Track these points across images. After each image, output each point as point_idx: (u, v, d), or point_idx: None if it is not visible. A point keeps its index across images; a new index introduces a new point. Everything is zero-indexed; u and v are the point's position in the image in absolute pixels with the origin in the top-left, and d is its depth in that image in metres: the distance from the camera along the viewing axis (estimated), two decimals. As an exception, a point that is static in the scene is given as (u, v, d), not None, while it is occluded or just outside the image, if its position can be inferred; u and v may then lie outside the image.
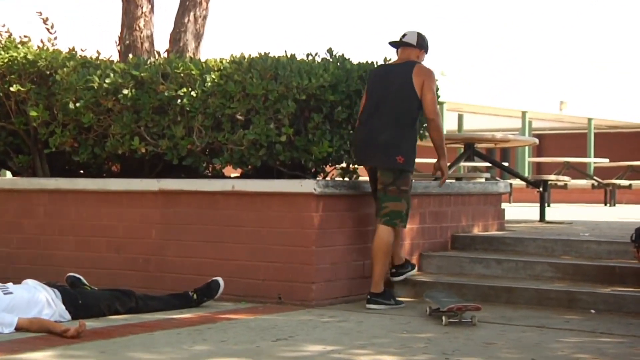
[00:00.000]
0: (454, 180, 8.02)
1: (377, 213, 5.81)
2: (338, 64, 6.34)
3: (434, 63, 6.51)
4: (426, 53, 6.09)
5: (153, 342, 4.62)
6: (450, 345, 4.62)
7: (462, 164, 9.60)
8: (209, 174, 7.03)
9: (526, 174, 20.29)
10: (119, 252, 6.48)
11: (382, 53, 6.56)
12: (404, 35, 6.07)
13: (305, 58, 6.47)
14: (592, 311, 5.63)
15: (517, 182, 13.73)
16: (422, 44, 6.04)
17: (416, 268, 6.34)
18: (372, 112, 5.86)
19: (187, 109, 6.32)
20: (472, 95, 19.71)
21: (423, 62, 6.01)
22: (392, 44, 6.10)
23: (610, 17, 31.80)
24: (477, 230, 7.35)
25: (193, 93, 6.29)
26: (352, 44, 5.89)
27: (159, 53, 7.47)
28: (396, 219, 5.76)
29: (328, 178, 6.75)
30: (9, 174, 8.13)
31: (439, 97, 6.48)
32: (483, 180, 8.73)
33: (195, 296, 5.79)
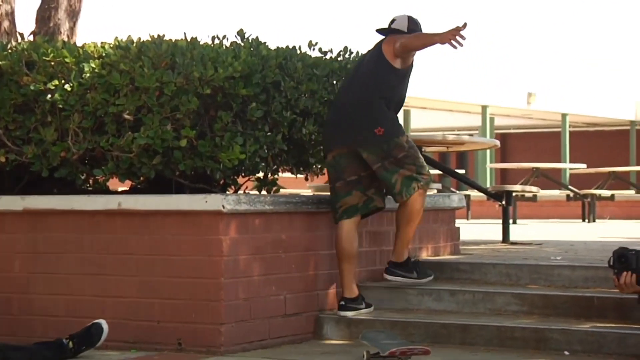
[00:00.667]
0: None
1: (392, 194, 6.33)
2: (252, 49, 6.34)
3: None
4: None
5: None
6: (392, 399, 4.63)
7: (408, 172, 9.67)
8: (89, 189, 6.98)
9: (487, 184, 20.62)
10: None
11: (306, 36, 6.63)
12: (392, 21, 6.38)
13: (210, 42, 6.46)
14: (566, 353, 5.69)
15: (475, 193, 13.94)
16: (414, 29, 6.36)
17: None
18: (343, 93, 6.40)
19: (60, 106, 6.25)
20: (421, 86, 19.91)
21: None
22: (380, 31, 6.41)
23: (588, 2, 32.54)
24: (425, 255, 7.40)
25: (67, 86, 6.23)
26: (271, 25, 5.89)
27: (22, 35, 7.39)
28: (412, 184, 6.25)
29: (241, 192, 6.73)
30: None
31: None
32: (433, 192, 8.82)
33: (71, 344, 5.70)
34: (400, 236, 6.44)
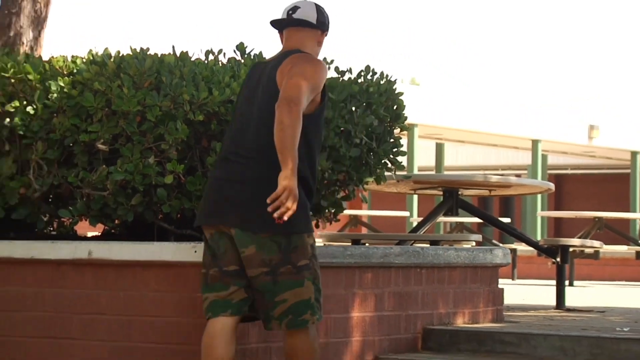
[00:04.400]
0: (427, 245, 8.11)
1: (267, 317, 5.44)
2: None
3: (401, 68, 6.62)
4: (327, 34, 5.73)
5: None
6: None
7: (441, 219, 9.72)
8: (53, 233, 7.01)
9: (537, 237, 20.60)
10: None
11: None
12: (293, 9, 5.65)
13: (203, 58, 6.53)
14: None
15: (522, 247, 13.95)
16: (323, 21, 5.68)
17: None
18: (231, 140, 5.55)
19: (21, 132, 6.32)
20: (457, 115, 19.97)
21: (320, 51, 5.71)
22: (277, 22, 5.71)
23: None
24: (461, 322, 7.41)
25: (30, 109, 6.31)
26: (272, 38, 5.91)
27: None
28: (304, 314, 5.38)
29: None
30: None
31: (402, 119, 6.60)
32: (472, 244, 8.85)
33: None
34: None
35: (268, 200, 5.18)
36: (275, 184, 5.17)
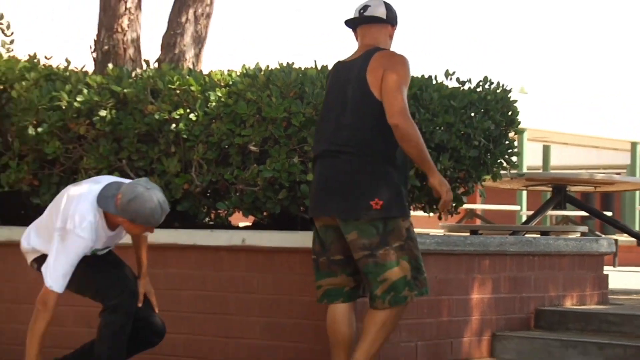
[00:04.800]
0: (538, 235, 8.04)
1: (371, 294, 5.29)
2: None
3: (511, 77, 6.56)
4: (396, 28, 5.56)
5: None
6: None
7: (550, 212, 9.62)
8: (211, 223, 7.09)
9: (637, 227, 20.22)
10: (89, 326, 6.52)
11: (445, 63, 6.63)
12: (364, 7, 5.48)
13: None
14: None
15: (624, 238, 13.70)
16: (392, 17, 5.51)
17: None
18: (327, 136, 5.39)
19: (184, 136, 6.41)
20: (563, 120, 19.72)
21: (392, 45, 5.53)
22: (351, 22, 5.54)
23: None
24: (570, 304, 7.33)
25: (192, 116, 6.39)
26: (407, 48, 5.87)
27: (147, 62, 7.57)
28: (402, 292, 5.26)
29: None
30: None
31: (516, 123, 6.54)
32: (578, 235, 8.74)
33: None
34: (364, 347, 5.30)
35: (441, 209, 5.39)
36: (370, 174, 5.20)
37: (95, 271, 5.34)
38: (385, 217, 5.24)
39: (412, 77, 6.51)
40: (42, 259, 5.28)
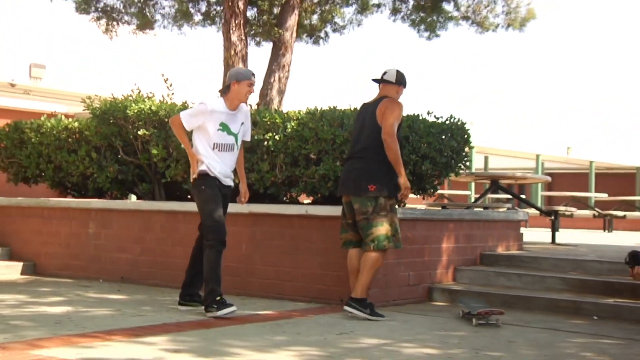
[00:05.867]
0: (482, 209, 7.92)
1: (364, 241, 5.23)
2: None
3: (467, 117, 6.41)
4: (404, 88, 5.53)
5: (243, 332, 4.65)
6: (480, 342, 4.55)
7: (489, 195, 9.46)
8: (287, 201, 7.03)
9: (539, 205, 19.92)
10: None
11: (425, 105, 6.52)
12: (384, 73, 5.47)
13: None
14: (595, 318, 5.48)
15: (532, 211, 13.49)
16: (401, 80, 5.46)
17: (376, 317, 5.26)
18: (351, 147, 5.45)
19: (272, 149, 6.38)
20: (496, 140, 19.51)
21: (401, 97, 5.47)
22: (375, 80, 5.52)
23: (612, 70, 31.05)
24: (500, 250, 7.23)
25: (277, 137, 6.35)
26: (403, 99, 5.76)
27: (250, 106, 7.57)
28: (382, 241, 5.20)
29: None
30: (134, 198, 8.29)
31: (469, 143, 6.45)
32: (505, 209, 8.60)
33: None
34: (361, 280, 5.23)
35: (400, 198, 5.33)
36: (370, 169, 5.19)
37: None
38: (376, 196, 5.21)
39: (408, 114, 6.48)
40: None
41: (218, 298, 5.02)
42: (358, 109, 5.58)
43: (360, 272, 5.29)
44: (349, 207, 5.37)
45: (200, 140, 5.15)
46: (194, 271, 5.34)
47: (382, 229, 5.21)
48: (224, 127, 5.10)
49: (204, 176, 5.12)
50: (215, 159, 5.13)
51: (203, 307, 5.15)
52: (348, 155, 5.46)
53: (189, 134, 5.22)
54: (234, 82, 5.02)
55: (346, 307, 5.27)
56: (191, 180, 5.24)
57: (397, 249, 5.52)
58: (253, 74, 5.10)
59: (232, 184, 5.28)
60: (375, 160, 5.24)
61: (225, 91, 5.12)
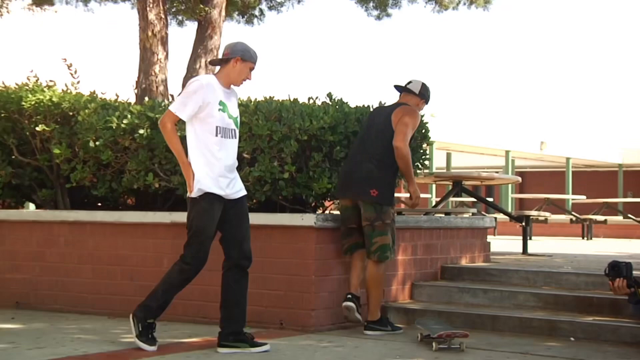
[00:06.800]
0: (443, 215, 8.00)
1: (368, 250, 5.67)
2: (337, 107, 6.36)
3: (426, 108, 6.47)
4: (426, 104, 5.93)
5: (163, 365, 4.57)
6: (440, 370, 4.57)
7: (451, 199, 9.57)
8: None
9: (509, 209, 20.29)
10: (133, 279, 6.44)
11: (378, 97, 6.58)
12: (409, 82, 5.90)
13: (307, 102, 6.49)
14: (572, 339, 5.58)
15: (501, 216, 13.73)
16: (424, 94, 5.86)
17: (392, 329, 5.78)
18: (357, 147, 5.78)
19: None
20: (460, 135, 19.75)
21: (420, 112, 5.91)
22: (397, 87, 5.96)
23: (590, 58, 31.93)
24: (464, 262, 7.31)
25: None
26: (350, 88, 5.83)
27: (172, 96, 7.50)
28: (386, 252, 5.68)
29: (327, 212, 6.73)
30: (32, 206, 8.10)
31: (427, 138, 6.54)
32: (470, 215, 8.71)
33: None
34: (371, 300, 5.70)
35: (410, 207, 5.85)
36: (376, 174, 5.58)
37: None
38: (382, 203, 5.58)
39: (357, 106, 6.50)
40: None
41: (150, 321, 4.91)
42: (371, 113, 5.94)
43: (367, 291, 5.71)
44: (349, 212, 5.72)
45: (198, 139, 4.71)
46: (229, 303, 4.91)
47: (387, 238, 5.64)
48: (224, 107, 4.71)
49: (203, 195, 4.77)
50: (215, 156, 4.73)
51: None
52: (349, 155, 5.80)
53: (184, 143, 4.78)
54: (238, 58, 4.63)
55: (367, 332, 5.67)
56: (187, 198, 4.92)
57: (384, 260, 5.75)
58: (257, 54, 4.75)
59: (242, 193, 4.91)
60: (381, 165, 5.61)
61: (220, 64, 4.70)
